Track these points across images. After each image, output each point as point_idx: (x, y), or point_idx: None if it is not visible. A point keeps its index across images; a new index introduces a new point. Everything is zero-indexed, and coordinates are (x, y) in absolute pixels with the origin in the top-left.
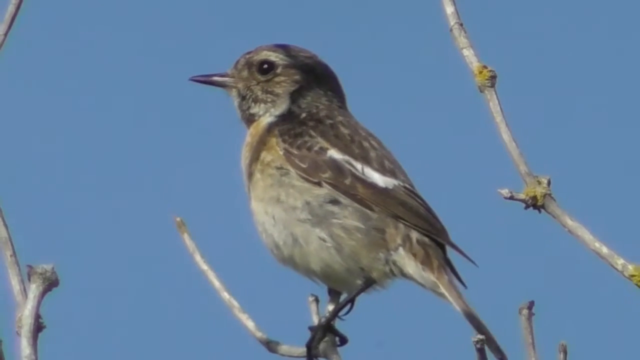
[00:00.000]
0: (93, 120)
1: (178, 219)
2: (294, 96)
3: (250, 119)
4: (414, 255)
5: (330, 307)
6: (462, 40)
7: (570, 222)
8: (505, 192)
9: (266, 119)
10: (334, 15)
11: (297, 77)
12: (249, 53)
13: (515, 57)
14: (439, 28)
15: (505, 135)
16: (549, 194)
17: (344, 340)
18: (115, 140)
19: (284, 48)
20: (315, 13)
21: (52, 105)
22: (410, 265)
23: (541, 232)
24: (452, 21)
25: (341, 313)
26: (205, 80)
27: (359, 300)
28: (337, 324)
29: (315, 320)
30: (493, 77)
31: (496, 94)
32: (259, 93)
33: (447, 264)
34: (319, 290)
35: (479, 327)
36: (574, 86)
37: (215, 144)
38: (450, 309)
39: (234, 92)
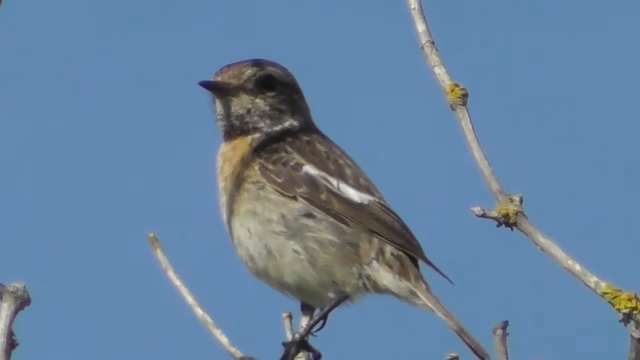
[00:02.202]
0: (64, 132)
1: (151, 234)
2: (295, 114)
3: (244, 132)
4: (390, 266)
5: (304, 323)
6: (433, 58)
7: (542, 240)
8: (477, 209)
9: (257, 134)
10: (305, 31)
11: (295, 95)
12: (254, 65)
13: (487, 75)
14: (410, 46)
15: (477, 153)
16: (521, 212)
17: (317, 356)
18: (87, 154)
19: (279, 65)
20: (286, 30)
21: (20, 116)
22: (387, 277)
23: (514, 250)
24: (424, 39)
25: (314, 329)
26: (210, 85)
27: (332, 316)
28: (310, 340)
29: (289, 336)
30: (465, 96)
31: (468, 112)
32: (267, 108)
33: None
34: (292, 305)
35: (460, 331)
36: (545, 104)
37: (187, 159)
38: (425, 321)
39: (236, 102)
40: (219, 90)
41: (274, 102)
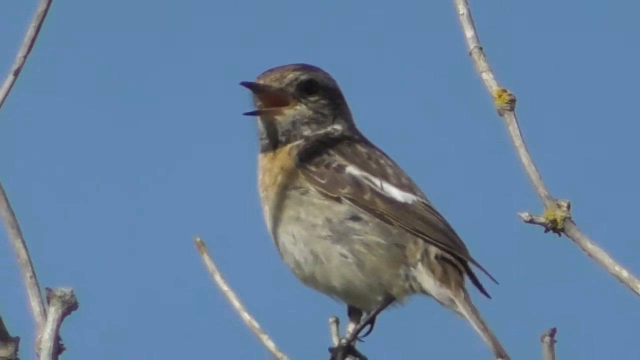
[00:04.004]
0: (114, 141)
1: (198, 239)
2: (337, 118)
3: (287, 140)
4: (432, 271)
5: (351, 328)
6: (481, 64)
7: (590, 246)
8: (525, 215)
9: (297, 142)
10: (353, 35)
11: (337, 100)
12: (296, 70)
13: (535, 80)
14: (458, 51)
15: (525, 158)
16: (569, 218)
17: None
18: (134, 157)
19: (320, 70)
20: (332, 35)
21: (73, 124)
22: (428, 282)
23: (561, 256)
24: (472, 45)
25: (361, 334)
26: (257, 86)
27: (379, 320)
28: (357, 345)
29: (335, 341)
30: (512, 101)
31: (515, 117)
32: (310, 112)
33: (470, 275)
34: (339, 310)
35: (494, 344)
36: (594, 109)
37: (235, 165)
38: (466, 328)
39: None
40: (261, 91)
41: (316, 107)
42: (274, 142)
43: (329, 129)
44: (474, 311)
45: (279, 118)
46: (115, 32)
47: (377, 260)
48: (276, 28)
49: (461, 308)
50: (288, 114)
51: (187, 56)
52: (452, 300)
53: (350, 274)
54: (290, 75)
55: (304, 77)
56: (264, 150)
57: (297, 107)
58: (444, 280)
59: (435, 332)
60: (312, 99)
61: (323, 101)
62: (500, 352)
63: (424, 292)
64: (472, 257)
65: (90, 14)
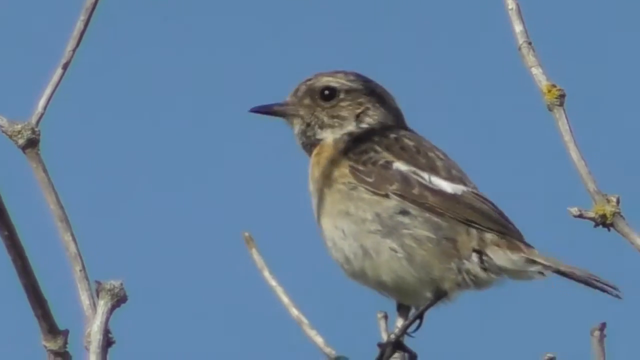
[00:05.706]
0: (162, 133)
1: (246, 235)
2: (360, 117)
3: (315, 144)
4: (497, 245)
5: (399, 324)
6: (530, 58)
7: (639, 241)
8: (574, 210)
9: (331, 137)
10: (398, 33)
11: (360, 99)
12: (308, 80)
13: (585, 75)
14: (507, 46)
15: (574, 153)
16: (618, 213)
17: (413, 357)
18: (184, 155)
19: (342, 73)
20: (377, 31)
21: (121, 118)
22: (499, 255)
23: (610, 250)
24: (521, 40)
25: (410, 329)
26: (266, 111)
27: (427, 316)
28: (406, 341)
29: (384, 337)
30: (562, 96)
31: (565, 112)
32: (325, 119)
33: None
34: (388, 306)
35: (589, 277)
36: None
37: (285, 159)
38: (521, 320)
39: (296, 120)
40: (280, 114)
41: (332, 111)
42: (302, 143)
43: (349, 128)
44: (557, 259)
45: (295, 118)
46: (165, 28)
47: (426, 254)
48: (319, 28)
49: (543, 260)
50: (304, 115)
51: (243, 55)
52: (529, 260)
53: (400, 269)
54: (303, 87)
55: (315, 86)
56: (309, 148)
57: (315, 112)
58: (513, 247)
59: (482, 329)
60: (328, 104)
61: (342, 104)
62: (596, 280)
63: (480, 282)
64: (528, 243)
65: (139, 7)
